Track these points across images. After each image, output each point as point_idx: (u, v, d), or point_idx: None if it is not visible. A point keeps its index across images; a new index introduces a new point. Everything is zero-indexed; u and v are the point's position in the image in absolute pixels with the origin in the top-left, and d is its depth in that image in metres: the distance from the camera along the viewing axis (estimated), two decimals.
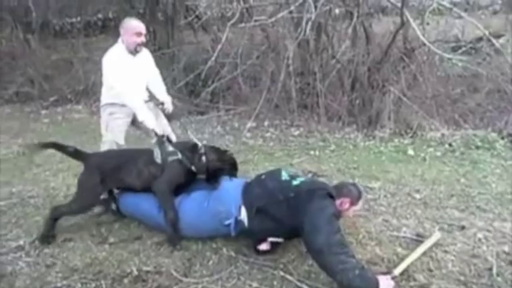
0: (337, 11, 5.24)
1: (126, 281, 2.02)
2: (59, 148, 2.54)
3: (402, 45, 4.77)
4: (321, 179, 3.16)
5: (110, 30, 9.71)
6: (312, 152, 3.90)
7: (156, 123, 2.72)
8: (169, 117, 3.19)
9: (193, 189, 2.43)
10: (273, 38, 5.43)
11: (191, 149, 2.53)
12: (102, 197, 2.55)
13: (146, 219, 2.46)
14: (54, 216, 2.40)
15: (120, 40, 2.78)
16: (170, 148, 2.51)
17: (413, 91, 4.73)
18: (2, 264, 2.17)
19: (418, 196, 2.84)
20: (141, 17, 8.17)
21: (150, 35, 7.77)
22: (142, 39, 2.78)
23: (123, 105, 2.78)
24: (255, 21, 4.48)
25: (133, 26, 2.76)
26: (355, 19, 4.51)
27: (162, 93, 3.04)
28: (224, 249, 2.24)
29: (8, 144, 4.52)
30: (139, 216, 2.49)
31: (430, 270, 2.03)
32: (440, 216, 2.57)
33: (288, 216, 2.05)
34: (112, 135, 2.85)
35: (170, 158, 2.46)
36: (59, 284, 2.00)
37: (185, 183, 2.45)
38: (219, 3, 6.80)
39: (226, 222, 2.18)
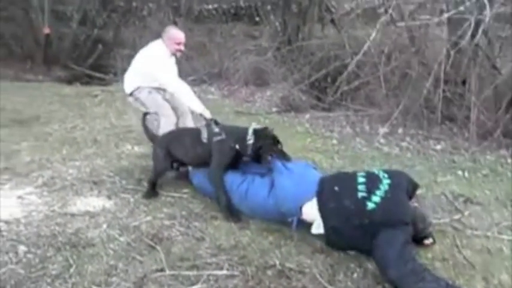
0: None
1: (269, 272, 2.03)
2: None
3: None
4: (476, 208, 2.78)
5: (240, 18, 10.19)
6: (459, 172, 3.46)
7: (203, 107, 3.05)
8: None
9: (254, 173, 2.58)
10: (420, 39, 4.98)
11: (237, 131, 2.71)
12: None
13: (212, 195, 2.65)
14: (150, 181, 2.81)
15: (161, 41, 3.22)
16: (216, 129, 2.72)
17: None
18: (160, 228, 2.38)
19: None
20: (275, 6, 8.36)
21: (281, 26, 7.91)
22: (181, 47, 3.26)
23: (156, 88, 3.26)
24: (413, 19, 4.11)
25: (176, 37, 3.22)
26: None
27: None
28: (369, 265, 2.09)
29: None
30: (208, 192, 2.69)
31: None
32: None
33: (362, 241, 2.06)
34: (162, 110, 3.21)
35: (215, 138, 2.66)
36: (208, 260, 2.10)
37: (234, 162, 2.64)
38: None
39: (289, 219, 2.30)
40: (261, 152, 2.59)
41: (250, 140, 2.60)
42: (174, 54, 3.25)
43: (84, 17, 10.41)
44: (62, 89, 6.50)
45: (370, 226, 2.02)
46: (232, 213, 2.51)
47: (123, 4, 11.28)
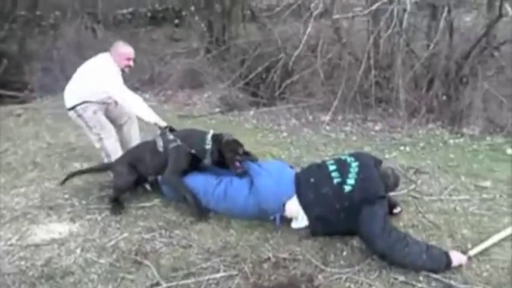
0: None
1: (266, 266, 2.07)
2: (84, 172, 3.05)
3: (492, 39, 4.55)
4: (424, 177, 3.11)
5: (158, 21, 9.96)
6: (401, 148, 3.83)
7: (157, 117, 2.92)
8: None
9: (230, 174, 2.57)
10: (347, 32, 5.37)
11: (194, 135, 2.75)
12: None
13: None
14: (112, 198, 2.70)
15: (109, 55, 3.05)
16: (170, 137, 2.71)
17: (501, 88, 4.53)
18: (141, 242, 2.26)
19: None
20: (198, 7, 8.27)
21: (207, 27, 7.88)
22: (131, 63, 3.12)
23: (101, 102, 3.10)
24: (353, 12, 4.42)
25: (127, 52, 3.08)
26: (445, 13, 4.34)
27: None
28: (354, 242, 2.24)
29: None
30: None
31: None
32: None
33: (345, 223, 2.19)
34: (105, 132, 3.10)
35: (171, 145, 2.67)
36: (203, 265, 2.06)
37: (191, 167, 2.65)
38: None
39: (271, 217, 2.36)
40: (227, 160, 2.59)
41: (208, 145, 2.62)
42: (122, 69, 3.09)
43: None
44: None
45: (351, 207, 2.15)
46: (201, 210, 2.52)
47: (24, 13, 10.24)
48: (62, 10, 9.71)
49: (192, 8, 8.45)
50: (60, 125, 4.58)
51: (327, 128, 4.59)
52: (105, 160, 3.11)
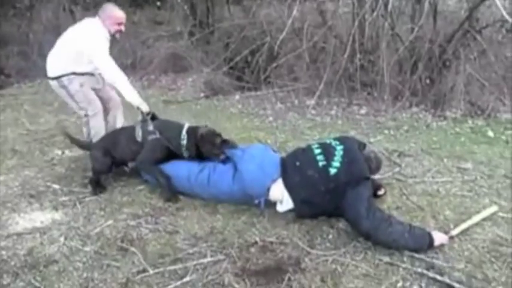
0: None
1: (253, 250, 2.07)
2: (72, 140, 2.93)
3: (475, 23, 4.59)
4: (409, 160, 3.15)
5: (140, 3, 9.62)
6: (386, 131, 3.87)
7: (140, 100, 2.83)
8: None
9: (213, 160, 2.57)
10: (332, 15, 5.32)
11: (172, 128, 2.68)
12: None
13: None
14: (92, 180, 2.69)
15: (98, 20, 2.86)
16: (151, 127, 2.67)
17: (483, 71, 4.59)
18: (127, 229, 2.24)
19: None
20: None
21: (190, 9, 7.69)
22: (122, 28, 2.98)
23: (91, 75, 2.98)
24: None
25: (118, 16, 2.91)
26: None
27: None
28: (340, 224, 2.26)
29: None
30: None
31: None
32: None
33: (331, 205, 2.21)
34: (92, 108, 3.00)
35: (149, 137, 2.64)
36: (190, 251, 2.06)
37: (167, 159, 2.63)
38: None
39: (256, 202, 2.35)
40: (204, 154, 2.58)
41: (184, 139, 2.59)
42: (113, 35, 2.92)
43: None
44: None
45: (336, 189, 2.17)
46: (173, 192, 2.53)
47: None
48: None
49: None
50: (39, 111, 4.46)
51: (313, 112, 4.59)
52: (93, 138, 3.01)
